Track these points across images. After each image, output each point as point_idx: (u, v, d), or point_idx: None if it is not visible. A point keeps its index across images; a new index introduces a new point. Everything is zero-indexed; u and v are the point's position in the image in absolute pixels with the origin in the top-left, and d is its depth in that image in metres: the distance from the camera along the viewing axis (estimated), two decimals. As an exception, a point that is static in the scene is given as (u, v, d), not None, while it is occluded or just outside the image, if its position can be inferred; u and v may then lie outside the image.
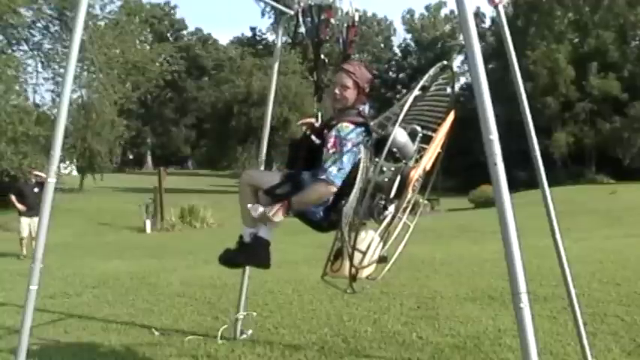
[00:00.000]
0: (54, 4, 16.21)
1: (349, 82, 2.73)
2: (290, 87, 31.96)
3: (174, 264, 7.67)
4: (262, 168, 3.95)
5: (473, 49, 1.83)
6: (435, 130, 2.81)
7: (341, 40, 2.89)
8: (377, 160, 2.56)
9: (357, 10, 2.90)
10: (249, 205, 2.72)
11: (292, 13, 3.71)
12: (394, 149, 2.64)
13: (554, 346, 3.51)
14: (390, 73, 58.49)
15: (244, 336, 3.96)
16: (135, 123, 40.22)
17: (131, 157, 55.55)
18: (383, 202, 2.71)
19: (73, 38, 2.49)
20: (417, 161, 2.77)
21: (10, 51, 16.16)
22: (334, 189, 2.63)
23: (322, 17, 2.87)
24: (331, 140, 2.65)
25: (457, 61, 54.62)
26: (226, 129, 35.36)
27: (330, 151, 2.64)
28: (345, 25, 2.88)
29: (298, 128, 3.14)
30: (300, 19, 2.97)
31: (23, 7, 14.94)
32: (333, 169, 2.61)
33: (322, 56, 2.94)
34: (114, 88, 17.82)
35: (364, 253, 2.68)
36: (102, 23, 17.87)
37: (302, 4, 2.91)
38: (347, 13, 2.87)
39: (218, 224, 14.98)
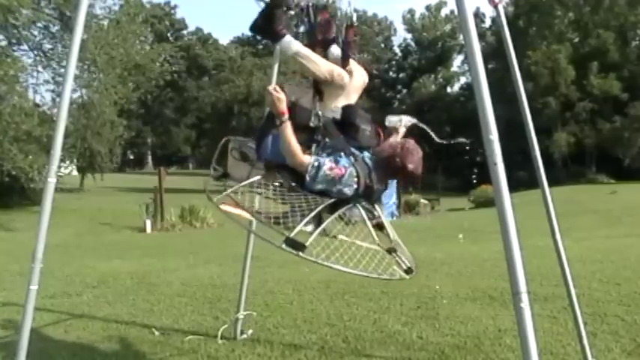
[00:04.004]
0: (54, 4, 16.22)
1: None
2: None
3: (174, 264, 7.67)
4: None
5: (473, 49, 1.83)
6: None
7: (340, 41, 2.88)
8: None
9: (356, 11, 2.89)
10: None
11: (292, 13, 3.70)
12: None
13: (554, 346, 3.51)
14: (391, 73, 58.46)
15: (244, 336, 3.96)
16: (135, 123, 40.21)
17: (131, 157, 55.58)
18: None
19: (73, 38, 2.48)
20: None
21: (10, 51, 16.14)
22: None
23: (319, 18, 2.86)
24: None
25: (457, 60, 54.84)
26: (227, 129, 35.33)
27: None
28: (344, 25, 2.87)
29: None
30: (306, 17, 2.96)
31: (26, 8, 14.94)
32: None
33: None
34: (115, 88, 17.81)
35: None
36: (105, 22, 17.84)
37: (302, 3, 2.90)
38: (345, 14, 2.86)
39: (218, 224, 14.98)
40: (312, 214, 2.45)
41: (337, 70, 2.73)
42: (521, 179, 20.65)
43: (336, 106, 2.72)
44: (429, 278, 5.78)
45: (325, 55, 2.85)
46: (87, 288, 5.98)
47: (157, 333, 4.13)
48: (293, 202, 2.52)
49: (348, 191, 2.58)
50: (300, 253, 2.31)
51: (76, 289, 5.94)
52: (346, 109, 2.72)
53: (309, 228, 2.43)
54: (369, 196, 2.66)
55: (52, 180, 2.48)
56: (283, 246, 2.32)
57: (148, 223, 14.63)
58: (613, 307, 4.34)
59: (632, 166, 33.60)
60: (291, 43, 2.70)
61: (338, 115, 2.71)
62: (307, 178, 2.55)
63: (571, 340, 3.50)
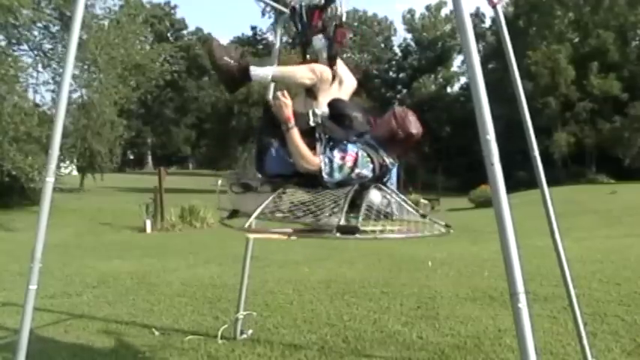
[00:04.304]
0: (54, 4, 16.21)
1: None
2: (290, 87, 32.00)
3: (174, 264, 7.67)
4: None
5: (470, 50, 1.83)
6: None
7: (327, 39, 2.86)
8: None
9: (355, 11, 2.88)
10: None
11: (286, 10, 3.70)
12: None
13: (554, 346, 3.51)
14: (391, 73, 58.47)
15: (244, 336, 3.96)
16: (135, 123, 40.24)
17: (132, 157, 55.61)
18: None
19: (71, 38, 2.47)
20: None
21: (10, 51, 16.13)
22: None
23: (309, 19, 2.84)
24: None
25: (457, 60, 54.83)
26: (227, 129, 35.47)
27: None
28: (333, 24, 2.85)
29: None
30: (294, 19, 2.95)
31: (26, 8, 14.93)
32: None
33: (308, 57, 2.90)
34: (115, 88, 17.79)
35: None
36: (105, 23, 17.83)
37: (293, 3, 2.89)
38: (335, 13, 2.85)
39: (218, 224, 14.96)
40: (347, 199, 2.45)
41: (318, 68, 2.71)
42: (521, 179, 20.65)
43: (326, 103, 2.73)
44: (429, 278, 5.79)
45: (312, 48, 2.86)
46: (87, 288, 5.98)
47: (156, 333, 4.13)
48: (317, 206, 2.49)
49: (367, 172, 2.59)
50: (357, 235, 2.33)
51: (76, 289, 5.93)
52: (332, 103, 2.71)
53: (342, 222, 2.42)
54: (384, 175, 2.68)
55: (50, 179, 2.47)
56: (338, 234, 2.33)
57: (148, 223, 14.61)
58: (613, 307, 4.35)
59: (632, 166, 33.59)
60: (262, 71, 2.69)
61: (327, 113, 2.72)
62: (324, 175, 2.55)
63: (571, 340, 3.50)
